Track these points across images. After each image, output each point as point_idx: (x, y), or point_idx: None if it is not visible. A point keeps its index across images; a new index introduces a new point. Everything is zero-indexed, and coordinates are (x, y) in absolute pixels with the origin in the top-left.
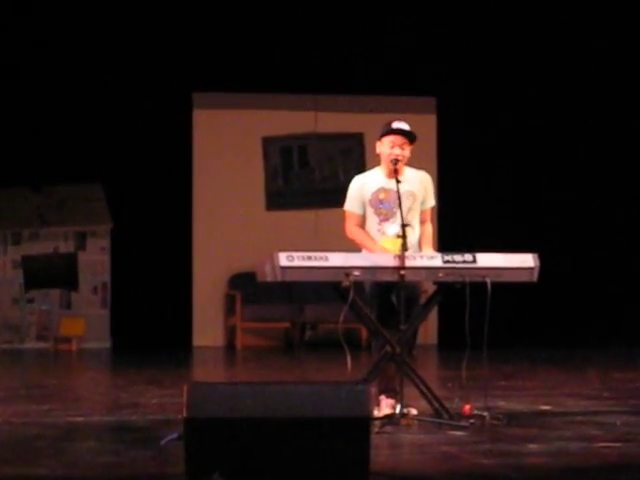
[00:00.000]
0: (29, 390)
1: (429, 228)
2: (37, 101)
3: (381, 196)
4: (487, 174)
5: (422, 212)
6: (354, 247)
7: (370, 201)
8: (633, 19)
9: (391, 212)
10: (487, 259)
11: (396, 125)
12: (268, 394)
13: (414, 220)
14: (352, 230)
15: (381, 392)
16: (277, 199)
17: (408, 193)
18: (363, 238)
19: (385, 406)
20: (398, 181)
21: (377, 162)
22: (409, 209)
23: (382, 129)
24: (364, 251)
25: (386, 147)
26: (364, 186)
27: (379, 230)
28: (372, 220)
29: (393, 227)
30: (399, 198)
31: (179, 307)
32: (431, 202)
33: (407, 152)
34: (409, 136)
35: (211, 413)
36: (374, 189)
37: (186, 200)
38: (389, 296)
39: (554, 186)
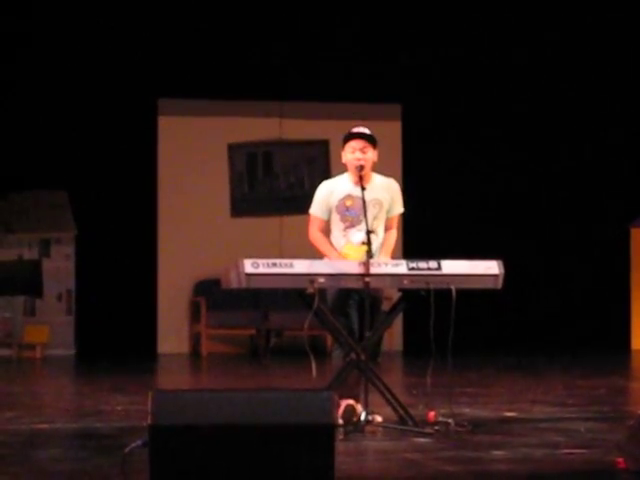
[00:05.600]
0: None
1: (392, 236)
2: (0, 109)
3: (348, 203)
4: (452, 181)
5: (389, 219)
6: (318, 253)
7: (337, 207)
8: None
9: (357, 219)
10: (452, 266)
11: (354, 130)
12: (233, 401)
13: (379, 228)
14: (314, 235)
15: (341, 398)
16: (242, 206)
17: (375, 201)
18: (323, 245)
19: (342, 406)
20: (363, 188)
21: (342, 169)
22: (375, 217)
23: (343, 138)
24: (325, 257)
25: (349, 153)
26: (332, 192)
27: (344, 237)
28: (337, 226)
29: (358, 234)
30: (364, 205)
31: (144, 314)
32: (399, 209)
33: (370, 155)
34: (368, 139)
35: (176, 420)
36: (341, 196)
37: (151, 207)
38: (349, 303)
39: (520, 192)
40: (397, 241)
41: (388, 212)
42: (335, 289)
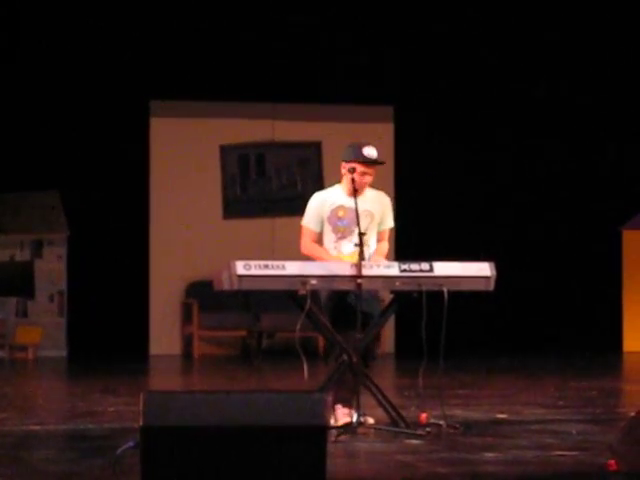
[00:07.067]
0: None
1: (384, 245)
2: None
3: (340, 214)
4: (444, 183)
5: (380, 232)
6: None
7: (329, 218)
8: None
9: (349, 230)
10: (444, 268)
11: (367, 152)
12: (225, 403)
13: (371, 240)
14: (308, 246)
15: (337, 402)
16: (234, 207)
17: (366, 212)
18: (319, 252)
19: (341, 415)
20: (356, 190)
21: (334, 170)
22: (366, 228)
23: (351, 152)
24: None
25: (357, 175)
26: (324, 203)
27: (335, 247)
28: (329, 237)
29: (350, 246)
30: (357, 212)
31: (136, 315)
32: (389, 223)
33: (371, 177)
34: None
35: (167, 421)
36: (334, 206)
37: (143, 208)
38: (346, 303)
39: (512, 195)
40: (389, 250)
41: (379, 225)
42: (327, 291)
